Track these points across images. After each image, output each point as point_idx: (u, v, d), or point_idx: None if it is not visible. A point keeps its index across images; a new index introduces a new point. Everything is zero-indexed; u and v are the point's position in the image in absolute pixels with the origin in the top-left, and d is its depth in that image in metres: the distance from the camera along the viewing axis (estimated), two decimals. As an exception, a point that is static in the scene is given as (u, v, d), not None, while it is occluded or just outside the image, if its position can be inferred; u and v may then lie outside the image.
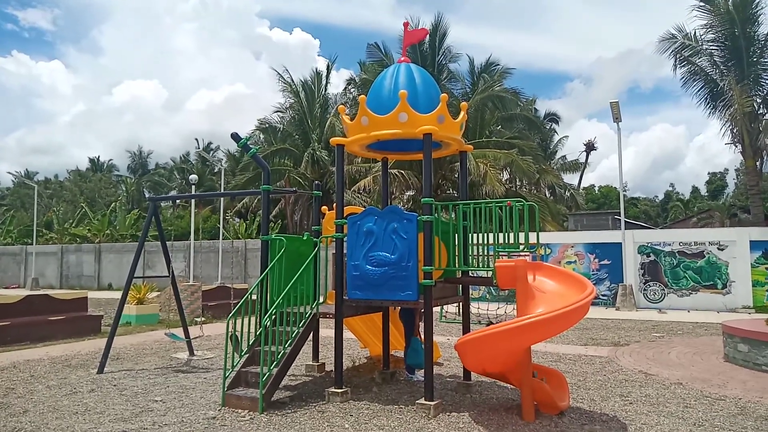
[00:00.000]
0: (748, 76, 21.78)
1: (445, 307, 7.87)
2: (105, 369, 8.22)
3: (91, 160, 60.99)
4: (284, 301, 6.46)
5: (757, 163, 22.19)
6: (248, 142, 7.94)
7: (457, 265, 6.71)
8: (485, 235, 6.49)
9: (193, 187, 23.74)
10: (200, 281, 19.36)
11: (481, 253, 6.80)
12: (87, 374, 8.09)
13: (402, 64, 6.87)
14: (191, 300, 14.78)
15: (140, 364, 8.87)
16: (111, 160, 63.94)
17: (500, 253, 6.28)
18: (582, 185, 47.89)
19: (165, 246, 9.43)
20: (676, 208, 53.75)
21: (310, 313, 6.72)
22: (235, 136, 7.56)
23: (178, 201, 42.99)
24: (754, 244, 17.76)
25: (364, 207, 7.17)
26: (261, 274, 7.03)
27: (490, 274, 6.45)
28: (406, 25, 7.54)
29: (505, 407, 6.21)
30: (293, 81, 31.98)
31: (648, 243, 19.06)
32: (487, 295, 18.98)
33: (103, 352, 8.37)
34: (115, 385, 7.37)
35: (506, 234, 6.19)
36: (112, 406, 6.32)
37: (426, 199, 6.28)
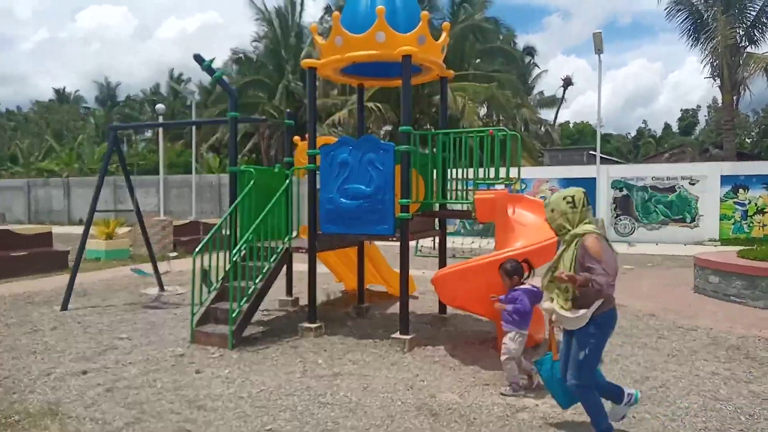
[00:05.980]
0: (734, 5, 21.26)
1: (420, 241, 7.71)
2: (69, 306, 7.93)
3: (57, 91, 57.89)
4: (254, 235, 6.17)
5: (734, 98, 22.09)
6: (218, 70, 7.33)
7: (435, 198, 6.46)
8: (464, 168, 6.21)
9: (161, 117, 22.70)
10: (172, 216, 18.90)
11: (459, 188, 6.53)
12: (50, 311, 7.80)
13: (379, -22, 6.28)
14: (162, 235, 14.39)
15: (108, 301, 8.61)
16: (78, 90, 61.12)
17: (479, 186, 6.04)
18: (558, 121, 47.56)
19: (128, 178, 8.96)
20: (647, 145, 54.04)
21: (282, 247, 6.46)
22: (198, 58, 6.97)
23: (150, 133, 41.40)
24: (725, 179, 17.94)
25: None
26: (229, 208, 6.69)
27: (468, 207, 6.23)
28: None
29: (480, 340, 6.17)
30: (266, 8, 30.34)
31: (622, 178, 19.11)
32: (462, 230, 18.99)
33: (66, 288, 8.05)
34: (79, 323, 7.11)
35: (486, 167, 5.92)
36: (74, 344, 6.08)
37: (404, 127, 5.92)
